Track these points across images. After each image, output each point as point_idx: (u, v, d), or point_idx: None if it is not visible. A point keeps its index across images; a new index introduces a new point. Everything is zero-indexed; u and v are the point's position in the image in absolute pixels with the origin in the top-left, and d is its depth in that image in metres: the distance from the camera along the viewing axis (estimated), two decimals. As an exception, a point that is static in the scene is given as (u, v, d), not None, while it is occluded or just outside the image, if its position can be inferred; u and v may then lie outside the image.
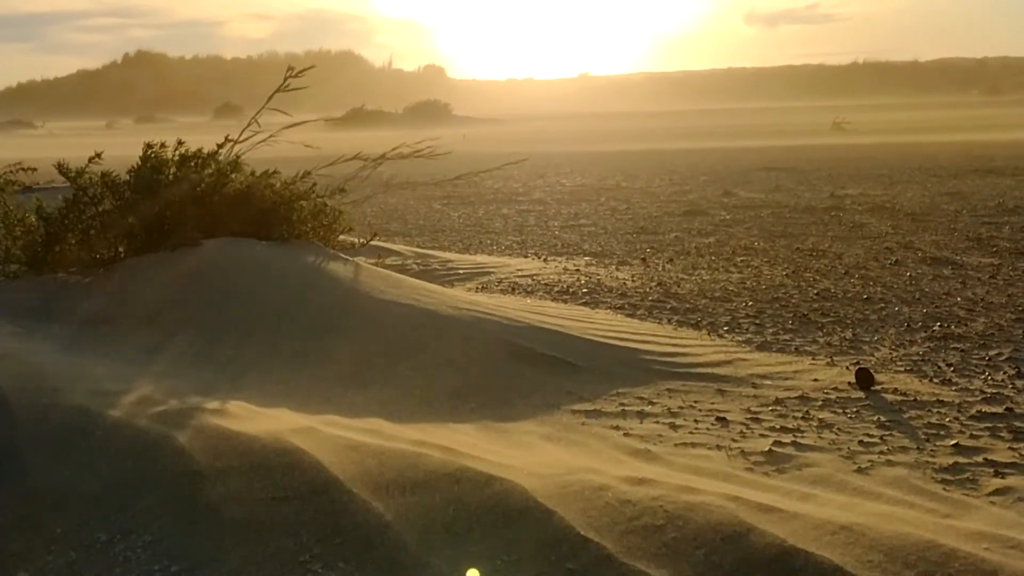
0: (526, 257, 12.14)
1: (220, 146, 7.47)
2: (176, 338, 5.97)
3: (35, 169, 11.61)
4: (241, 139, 7.67)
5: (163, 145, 7.27)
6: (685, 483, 3.88)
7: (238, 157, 7.57)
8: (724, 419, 5.32)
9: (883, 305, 8.42)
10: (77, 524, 3.50)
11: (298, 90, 7.81)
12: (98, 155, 7.16)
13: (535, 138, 49.01)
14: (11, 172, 12.12)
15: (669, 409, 5.50)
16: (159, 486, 3.67)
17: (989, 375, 6.20)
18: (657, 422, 5.28)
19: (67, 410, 4.18)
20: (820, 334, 7.40)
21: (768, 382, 6.07)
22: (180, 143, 7.34)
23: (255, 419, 4.34)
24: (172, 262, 6.83)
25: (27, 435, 4.01)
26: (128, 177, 7.13)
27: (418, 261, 11.08)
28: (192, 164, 7.25)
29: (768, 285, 9.45)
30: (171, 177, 7.19)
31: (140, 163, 7.19)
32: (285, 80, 7.88)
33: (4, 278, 6.88)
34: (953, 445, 4.92)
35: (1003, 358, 6.61)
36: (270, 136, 7.84)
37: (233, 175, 7.45)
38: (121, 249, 7.06)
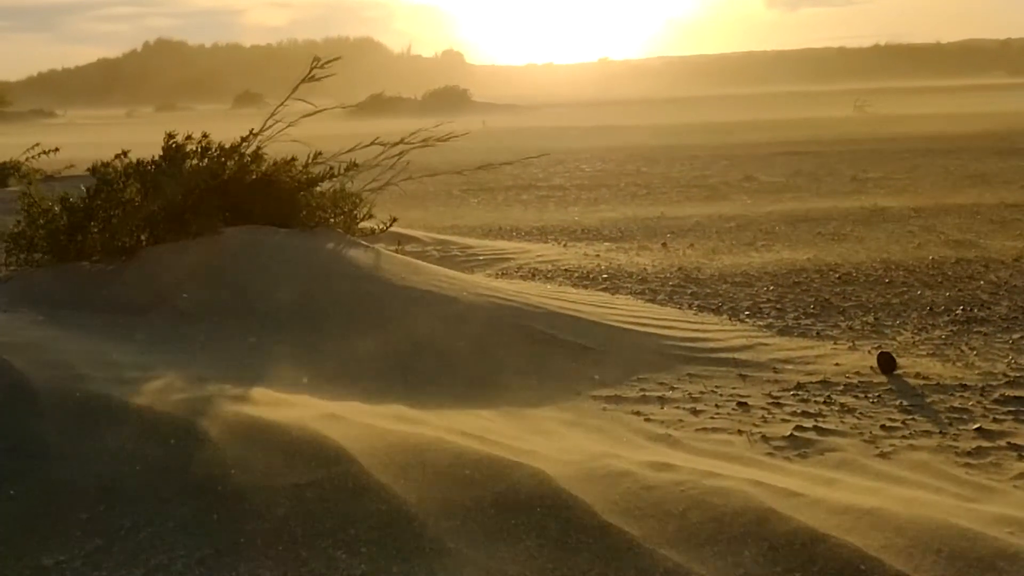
0: (546, 243, 12.13)
1: (244, 139, 7.48)
2: (199, 326, 6.00)
3: (57, 149, 11.68)
4: (266, 128, 7.67)
5: (189, 137, 7.28)
6: (708, 468, 3.88)
7: (259, 148, 7.57)
8: (745, 404, 5.31)
9: (905, 289, 8.38)
10: (101, 510, 3.52)
11: (324, 78, 7.81)
12: (124, 153, 7.20)
13: (555, 124, 48.99)
14: (34, 156, 12.19)
15: (690, 394, 5.50)
16: (183, 473, 3.70)
17: (1012, 359, 6.17)
18: (678, 407, 5.27)
19: (91, 397, 4.21)
20: (842, 318, 7.37)
21: (789, 367, 6.05)
22: (205, 135, 7.35)
23: (278, 406, 4.37)
24: (194, 250, 6.86)
25: (52, 422, 4.04)
26: (150, 167, 7.16)
27: (438, 247, 11.09)
28: (216, 156, 7.26)
29: (789, 269, 9.42)
30: (193, 167, 7.21)
31: (163, 153, 7.22)
32: (311, 71, 7.88)
33: (28, 267, 6.92)
34: (976, 429, 4.90)
35: (1027, 342, 6.57)
36: (292, 123, 7.84)
37: (254, 166, 7.46)
38: (143, 237, 7.09)
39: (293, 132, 7.83)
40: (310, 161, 7.77)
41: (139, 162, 7.08)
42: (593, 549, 3.23)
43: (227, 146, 7.38)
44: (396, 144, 8.46)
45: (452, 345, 6.09)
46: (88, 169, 7.20)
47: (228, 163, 7.30)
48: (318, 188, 7.86)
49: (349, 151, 8.07)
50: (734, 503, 3.42)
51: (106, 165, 7.08)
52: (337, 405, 4.60)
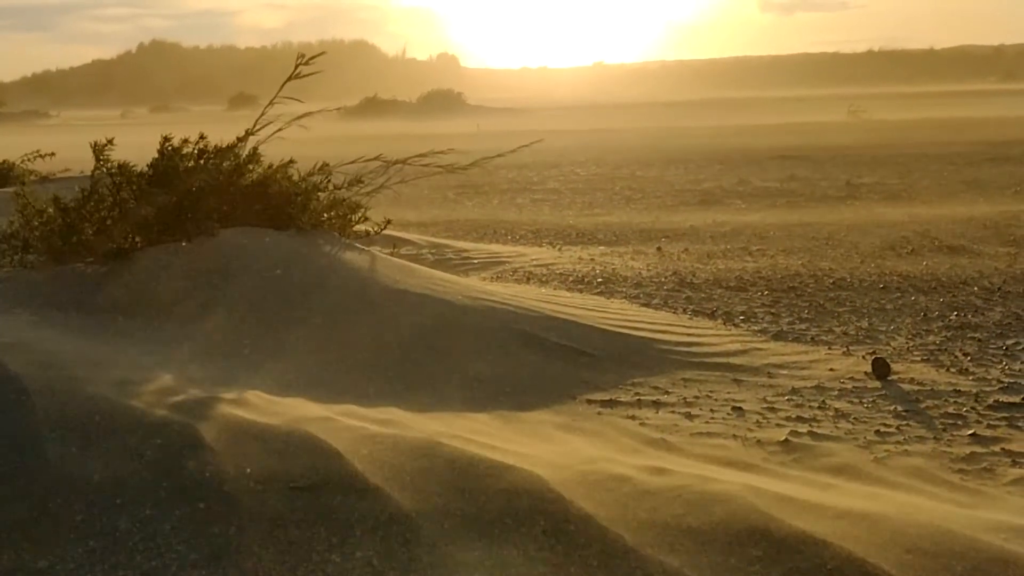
0: (541, 246, 12.14)
1: (241, 139, 7.47)
2: (193, 328, 5.99)
3: (53, 154, 11.67)
4: (257, 129, 7.66)
5: (186, 141, 7.27)
6: (703, 473, 3.88)
7: (255, 149, 7.56)
8: (740, 409, 5.32)
9: (899, 294, 8.40)
10: (97, 512, 3.52)
11: (310, 75, 7.79)
12: (110, 142, 7.16)
13: (550, 128, 48.96)
14: (29, 160, 12.19)
15: (685, 399, 5.50)
16: (178, 475, 3.69)
17: (1006, 364, 6.18)
18: (673, 412, 5.28)
19: (86, 399, 4.20)
20: (836, 323, 7.38)
21: (784, 372, 6.06)
22: (202, 137, 7.34)
23: (273, 409, 4.36)
24: (189, 252, 6.85)
25: (47, 424, 4.04)
26: (147, 169, 7.14)
27: (433, 251, 11.09)
28: (211, 157, 7.25)
29: (784, 274, 9.43)
30: (189, 168, 7.19)
31: (159, 155, 7.21)
32: (296, 68, 7.86)
33: (23, 268, 6.90)
34: (970, 435, 4.91)
35: (1020, 347, 6.59)
36: (285, 125, 7.83)
37: (251, 166, 7.45)
38: (138, 239, 7.08)
39: (289, 133, 7.82)
40: (315, 171, 7.76)
41: (123, 166, 7.03)
42: (589, 554, 3.23)
43: (223, 147, 7.36)
44: (397, 163, 8.46)
45: (446, 348, 6.08)
46: (91, 145, 7.13)
47: (224, 164, 7.29)
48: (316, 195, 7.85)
49: (352, 162, 8.07)
50: (730, 508, 3.42)
51: (100, 160, 7.03)
52: (331, 408, 4.60)
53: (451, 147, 8.44)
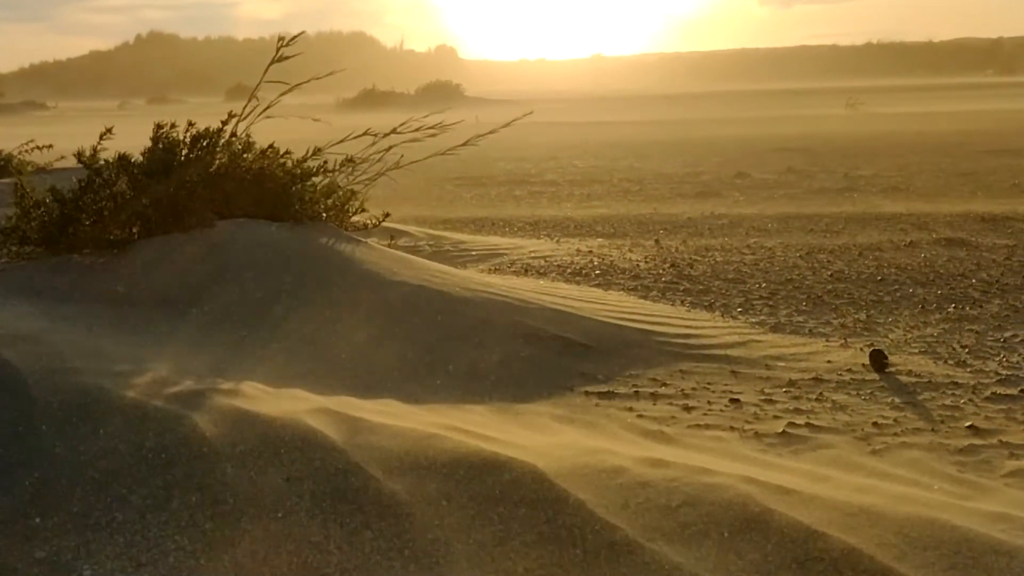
0: (539, 239, 12.12)
1: (224, 122, 7.42)
2: (190, 319, 5.98)
3: (51, 146, 11.63)
4: (246, 115, 7.62)
5: (173, 125, 7.23)
6: (700, 465, 3.88)
7: (248, 135, 7.53)
8: (738, 400, 5.32)
9: (897, 287, 8.39)
10: (94, 503, 3.51)
11: (292, 57, 7.76)
12: (109, 130, 7.13)
13: (549, 120, 48.95)
14: (26, 151, 12.14)
15: (682, 390, 5.50)
16: (175, 466, 3.68)
17: (1004, 357, 6.18)
18: (671, 403, 5.28)
19: (84, 390, 4.19)
20: (834, 316, 7.38)
21: (782, 364, 6.06)
22: (191, 124, 7.31)
23: (270, 400, 4.35)
24: (186, 243, 6.84)
25: (44, 415, 4.03)
26: (141, 158, 7.12)
27: (430, 242, 11.08)
28: (204, 143, 7.22)
29: (782, 266, 9.42)
30: (183, 158, 7.17)
31: (152, 144, 7.18)
32: (277, 51, 7.83)
33: (19, 259, 6.89)
34: (968, 427, 4.91)
35: (1018, 340, 6.59)
36: (273, 103, 7.79)
37: (247, 155, 7.42)
38: (135, 230, 7.07)
39: (285, 124, 7.80)
40: (308, 155, 7.73)
41: (122, 156, 7.02)
42: (586, 545, 3.23)
43: (214, 130, 7.31)
44: (387, 135, 8.43)
45: (443, 340, 6.08)
46: (75, 155, 7.14)
47: (218, 152, 7.25)
48: (311, 181, 7.82)
49: (340, 142, 8.03)
50: (727, 500, 3.42)
51: (94, 156, 7.02)
52: (329, 399, 4.59)
53: (440, 122, 8.41)
